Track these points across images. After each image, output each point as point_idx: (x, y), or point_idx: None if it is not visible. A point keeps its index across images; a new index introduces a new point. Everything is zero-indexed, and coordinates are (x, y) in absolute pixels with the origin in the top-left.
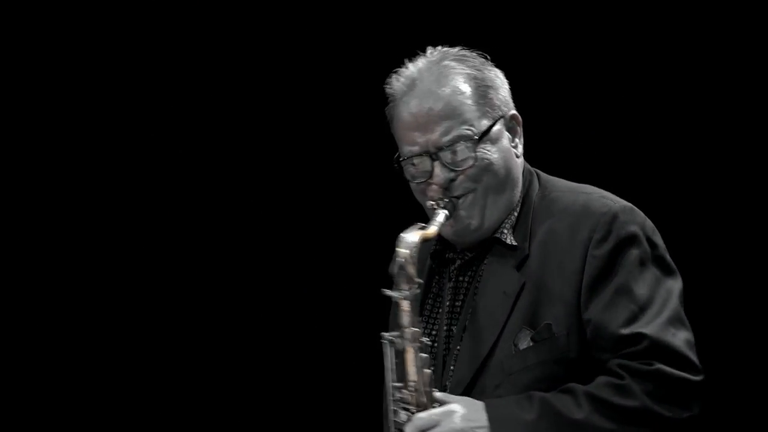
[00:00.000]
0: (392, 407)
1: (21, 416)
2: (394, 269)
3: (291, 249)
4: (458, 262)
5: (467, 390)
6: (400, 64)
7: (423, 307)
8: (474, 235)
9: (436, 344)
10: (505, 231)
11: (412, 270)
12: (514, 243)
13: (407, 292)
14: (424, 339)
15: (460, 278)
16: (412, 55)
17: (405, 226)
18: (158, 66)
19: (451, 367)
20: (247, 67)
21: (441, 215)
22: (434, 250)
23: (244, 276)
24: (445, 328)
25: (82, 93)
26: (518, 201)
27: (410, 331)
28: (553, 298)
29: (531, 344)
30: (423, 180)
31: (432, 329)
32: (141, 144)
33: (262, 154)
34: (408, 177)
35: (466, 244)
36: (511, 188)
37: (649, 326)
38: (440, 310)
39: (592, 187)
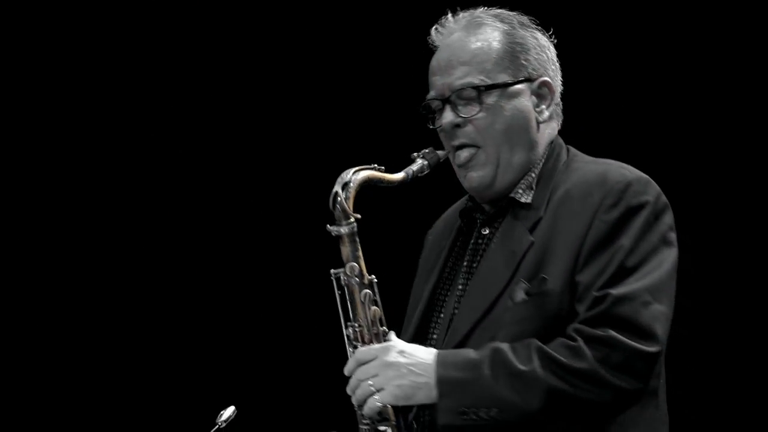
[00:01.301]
0: (346, 345)
1: (21, 416)
2: (331, 204)
3: (291, 249)
4: (480, 221)
5: (462, 341)
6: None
7: (445, 265)
8: (488, 192)
9: (447, 302)
10: (520, 191)
11: (347, 205)
12: (528, 201)
13: (344, 227)
14: (371, 277)
15: (479, 240)
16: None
17: (406, 227)
18: (158, 66)
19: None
20: (245, 68)
21: (417, 164)
22: (465, 207)
23: (244, 276)
24: (460, 286)
25: (82, 93)
26: (538, 165)
27: (350, 266)
28: (554, 258)
29: (525, 298)
30: (439, 126)
31: (448, 288)
32: (141, 144)
33: (262, 153)
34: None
35: (485, 200)
36: (525, 149)
37: (620, 288)
38: (458, 269)
39: (619, 162)
